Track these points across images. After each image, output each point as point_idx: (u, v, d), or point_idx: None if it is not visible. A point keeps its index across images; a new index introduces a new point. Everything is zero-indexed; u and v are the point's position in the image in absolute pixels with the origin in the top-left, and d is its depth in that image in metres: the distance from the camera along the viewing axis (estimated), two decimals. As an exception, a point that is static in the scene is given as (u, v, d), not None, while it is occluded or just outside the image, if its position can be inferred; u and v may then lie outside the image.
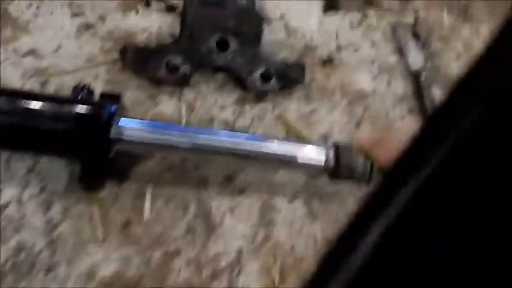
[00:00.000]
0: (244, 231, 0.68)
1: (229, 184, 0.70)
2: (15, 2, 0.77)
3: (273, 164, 0.68)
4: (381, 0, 0.86)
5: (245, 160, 0.67)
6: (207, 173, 0.70)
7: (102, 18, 0.78)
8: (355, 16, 0.84)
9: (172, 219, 0.67)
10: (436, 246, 0.22)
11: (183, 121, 0.74)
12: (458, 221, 0.22)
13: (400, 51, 0.82)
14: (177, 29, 0.78)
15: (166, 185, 0.69)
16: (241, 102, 0.77)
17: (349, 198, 0.70)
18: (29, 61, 0.74)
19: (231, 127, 0.74)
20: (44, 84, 0.73)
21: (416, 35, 0.82)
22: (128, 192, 0.68)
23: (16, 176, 0.67)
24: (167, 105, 0.75)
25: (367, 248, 0.23)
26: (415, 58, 0.81)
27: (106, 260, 0.64)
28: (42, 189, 0.67)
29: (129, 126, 0.65)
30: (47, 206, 0.66)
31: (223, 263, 0.66)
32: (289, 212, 0.70)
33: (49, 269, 0.63)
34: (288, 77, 0.78)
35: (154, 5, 0.81)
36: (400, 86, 0.81)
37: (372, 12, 0.85)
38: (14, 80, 0.72)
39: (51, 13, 0.77)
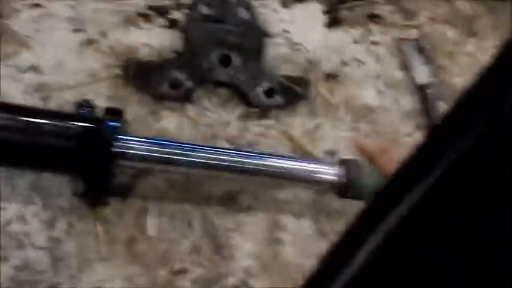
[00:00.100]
0: (252, 250, 0.67)
1: (234, 201, 0.69)
2: (17, 17, 0.77)
3: (281, 182, 0.67)
4: (385, 15, 0.85)
5: (251, 177, 0.66)
6: (211, 190, 0.69)
7: (104, 34, 0.77)
8: (359, 31, 0.84)
9: (177, 236, 0.66)
10: (439, 256, 0.22)
11: (186, 137, 0.73)
12: (461, 232, 0.22)
13: (406, 66, 0.81)
14: (179, 45, 0.78)
15: (170, 202, 0.68)
16: (244, 117, 0.76)
17: (356, 214, 0.69)
18: (30, 77, 0.73)
19: (234, 143, 0.73)
20: (45, 99, 0.72)
21: (421, 50, 0.82)
22: (131, 209, 0.67)
23: (19, 193, 0.66)
24: (170, 121, 0.74)
25: (363, 259, 0.23)
26: (421, 73, 0.80)
27: (111, 279, 0.63)
28: (45, 206, 0.66)
29: (132, 143, 0.64)
30: (50, 223, 0.65)
31: (230, 282, 0.65)
32: (296, 230, 0.69)
33: (52, 287, 0.62)
34: (292, 92, 0.77)
35: (156, 20, 0.80)
36: (406, 101, 0.80)
37: (375, 28, 0.84)
38: (16, 95, 0.71)
39: (53, 29, 0.77)
